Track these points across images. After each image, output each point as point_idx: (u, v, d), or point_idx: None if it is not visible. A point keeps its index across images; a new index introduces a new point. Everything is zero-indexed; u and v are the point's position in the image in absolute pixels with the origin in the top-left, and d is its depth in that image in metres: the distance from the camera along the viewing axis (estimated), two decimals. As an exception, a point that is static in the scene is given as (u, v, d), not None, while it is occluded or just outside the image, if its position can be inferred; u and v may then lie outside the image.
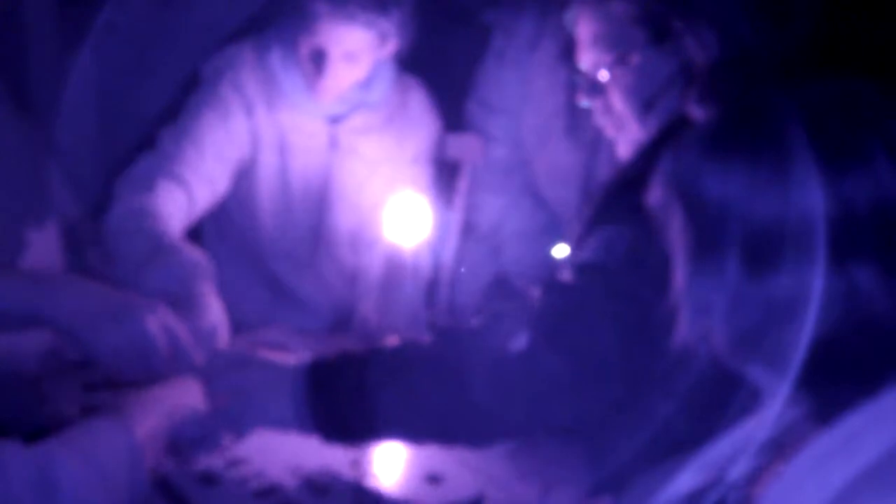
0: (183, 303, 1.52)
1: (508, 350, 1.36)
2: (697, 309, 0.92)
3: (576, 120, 1.94)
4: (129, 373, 1.30)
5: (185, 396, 1.34)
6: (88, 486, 1.09)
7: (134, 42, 2.26)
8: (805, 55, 0.97)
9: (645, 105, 1.46)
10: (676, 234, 0.92)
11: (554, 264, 1.99)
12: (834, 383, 0.87)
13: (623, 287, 1.32)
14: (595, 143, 1.91)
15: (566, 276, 1.40)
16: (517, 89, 2.05)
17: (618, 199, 1.41)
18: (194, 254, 1.64)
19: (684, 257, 0.92)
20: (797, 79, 0.90)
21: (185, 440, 1.32)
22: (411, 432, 1.38)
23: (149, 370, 1.31)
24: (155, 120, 2.02)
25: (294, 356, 1.41)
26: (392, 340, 1.37)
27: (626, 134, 1.50)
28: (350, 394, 1.33)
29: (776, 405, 0.90)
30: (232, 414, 1.36)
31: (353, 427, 1.35)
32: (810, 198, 0.84)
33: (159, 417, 1.26)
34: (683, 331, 0.94)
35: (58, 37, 2.10)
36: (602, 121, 1.52)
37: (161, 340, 1.31)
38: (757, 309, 0.87)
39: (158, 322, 1.32)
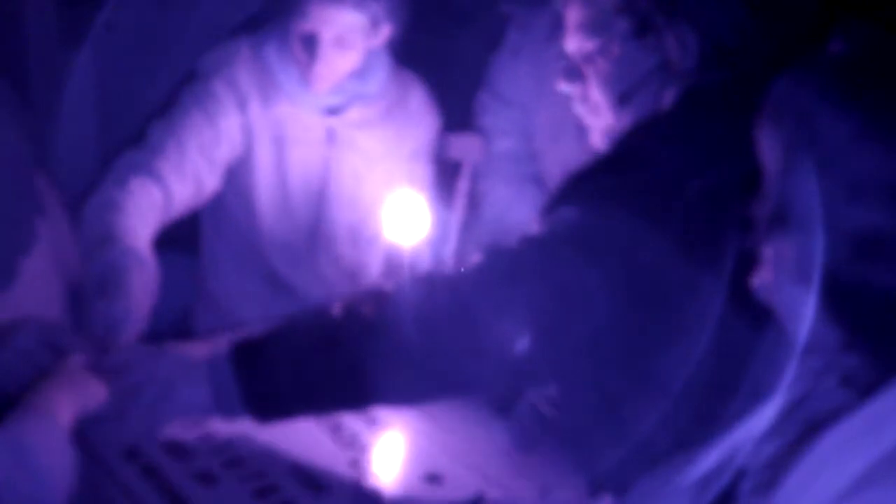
0: (105, 288, 1.53)
1: (440, 308, 1.34)
2: (779, 215, 0.93)
3: None
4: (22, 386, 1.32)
5: (92, 390, 1.34)
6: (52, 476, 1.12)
7: (134, 42, 2.27)
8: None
9: (621, 97, 1.46)
10: (769, 151, 0.94)
11: None
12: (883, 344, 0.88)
13: (558, 264, 1.32)
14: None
15: (509, 243, 1.39)
16: (532, 83, 2.04)
17: (580, 184, 1.41)
18: (137, 246, 1.63)
19: (776, 171, 0.93)
20: None
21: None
22: (345, 400, 1.36)
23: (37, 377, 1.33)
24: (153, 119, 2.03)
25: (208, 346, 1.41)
26: (313, 307, 1.37)
27: (599, 123, 1.51)
28: (279, 368, 1.31)
29: (803, 331, 0.90)
30: (141, 406, 1.33)
31: (285, 402, 1.33)
32: None
33: (74, 412, 1.27)
34: (760, 241, 0.96)
35: (58, 37, 2.11)
36: (579, 108, 1.53)
37: (41, 354, 1.34)
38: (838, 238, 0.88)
39: (33, 339, 1.35)
